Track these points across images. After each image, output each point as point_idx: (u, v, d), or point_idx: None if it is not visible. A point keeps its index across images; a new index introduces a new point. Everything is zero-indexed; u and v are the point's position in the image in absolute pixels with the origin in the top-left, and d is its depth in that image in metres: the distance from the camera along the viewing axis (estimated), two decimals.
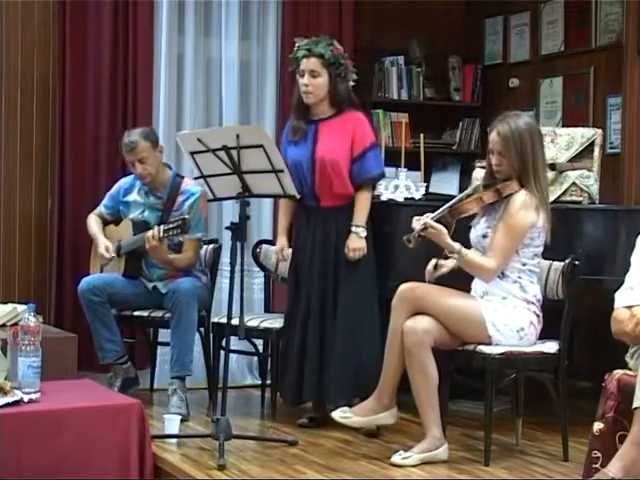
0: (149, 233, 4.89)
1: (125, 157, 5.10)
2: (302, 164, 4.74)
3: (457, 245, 4.16)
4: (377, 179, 4.81)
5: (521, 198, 4.14)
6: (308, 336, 4.73)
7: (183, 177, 5.21)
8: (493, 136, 4.22)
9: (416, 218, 4.17)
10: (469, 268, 4.20)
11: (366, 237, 4.68)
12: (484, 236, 4.24)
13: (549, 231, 4.22)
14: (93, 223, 5.27)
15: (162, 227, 4.85)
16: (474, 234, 4.29)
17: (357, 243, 4.67)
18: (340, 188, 4.70)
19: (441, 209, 4.20)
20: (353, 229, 4.68)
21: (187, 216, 4.85)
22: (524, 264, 4.21)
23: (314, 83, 4.69)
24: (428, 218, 4.14)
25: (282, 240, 4.94)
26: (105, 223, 5.29)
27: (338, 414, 4.32)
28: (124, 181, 5.32)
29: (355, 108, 4.80)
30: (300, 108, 4.79)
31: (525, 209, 4.13)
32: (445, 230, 4.14)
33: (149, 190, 5.18)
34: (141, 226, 5.10)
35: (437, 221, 4.15)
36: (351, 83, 4.81)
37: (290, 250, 4.93)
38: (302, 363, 4.73)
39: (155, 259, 5.05)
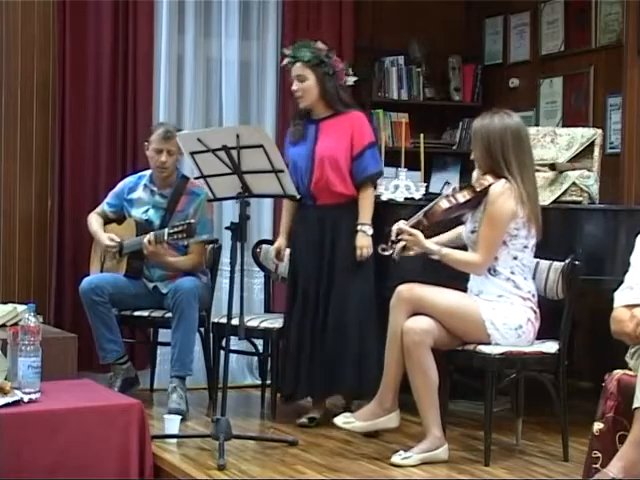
0: (145, 239, 4.90)
1: (154, 144, 5.10)
2: (301, 162, 4.77)
3: (436, 247, 4.19)
4: (376, 177, 4.83)
5: (499, 186, 4.15)
6: (305, 335, 4.74)
7: (189, 178, 5.21)
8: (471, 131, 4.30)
9: (394, 228, 4.20)
10: (456, 266, 4.21)
11: (372, 235, 4.69)
12: (472, 231, 4.25)
13: (538, 228, 4.21)
14: (93, 221, 5.27)
15: (167, 230, 4.86)
16: (464, 232, 4.31)
17: (364, 241, 4.69)
18: (339, 187, 4.72)
19: (417, 215, 4.22)
20: (359, 227, 4.70)
21: (192, 220, 4.85)
22: (515, 257, 4.20)
23: (302, 87, 4.76)
24: (402, 224, 4.16)
25: (281, 240, 4.96)
26: (107, 222, 5.29)
27: (340, 420, 4.32)
28: (128, 180, 5.33)
29: (351, 107, 4.81)
30: (299, 112, 4.85)
31: (503, 197, 4.12)
32: (421, 235, 4.16)
33: (154, 189, 5.19)
34: (144, 227, 5.10)
35: (414, 226, 4.17)
36: (350, 82, 4.84)
37: (288, 250, 4.94)
38: (300, 361, 4.75)
39: (157, 263, 5.05)
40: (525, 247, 4.23)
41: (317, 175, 4.73)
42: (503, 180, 4.16)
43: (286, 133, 5.03)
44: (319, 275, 4.75)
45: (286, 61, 4.83)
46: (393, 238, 4.18)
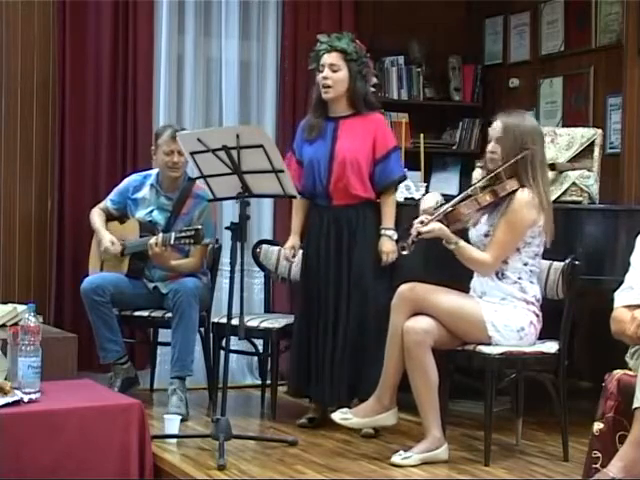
0: (152, 240, 4.90)
1: (164, 146, 5.07)
2: (319, 162, 4.71)
3: (455, 237, 4.16)
4: (400, 181, 4.81)
5: (524, 195, 4.14)
6: (327, 339, 4.69)
7: (195, 181, 5.18)
8: (496, 124, 4.23)
9: (414, 230, 4.16)
10: (466, 261, 4.20)
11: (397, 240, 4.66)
12: (486, 235, 4.24)
13: (551, 234, 4.22)
14: (96, 217, 5.25)
15: (174, 235, 4.85)
16: (474, 234, 4.29)
17: (390, 246, 4.65)
18: (359, 190, 4.67)
19: (436, 214, 4.18)
20: (383, 232, 4.66)
21: (200, 227, 4.83)
22: (525, 263, 4.21)
23: (334, 77, 4.66)
24: (421, 227, 4.13)
25: (294, 239, 4.86)
26: (109, 219, 5.28)
27: (338, 415, 4.31)
28: (133, 178, 5.32)
29: (375, 110, 4.76)
30: (318, 106, 4.76)
31: (528, 207, 4.13)
32: (440, 224, 4.13)
33: (160, 190, 5.19)
34: (148, 228, 5.10)
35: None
36: (371, 89, 4.79)
37: (300, 251, 4.89)
38: (332, 364, 4.69)
39: (158, 265, 5.05)
40: (536, 255, 4.23)
41: (337, 176, 4.67)
42: (527, 189, 4.15)
43: (298, 127, 4.92)
44: (336, 276, 4.69)
45: (322, 47, 4.71)
46: (415, 239, 4.14)
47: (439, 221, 4.15)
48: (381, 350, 4.35)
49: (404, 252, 4.15)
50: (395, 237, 4.64)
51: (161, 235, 4.92)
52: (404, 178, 4.85)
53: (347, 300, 4.68)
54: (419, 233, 4.12)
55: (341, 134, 4.70)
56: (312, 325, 4.74)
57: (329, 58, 4.68)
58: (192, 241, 4.80)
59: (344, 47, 4.67)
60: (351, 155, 4.65)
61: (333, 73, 4.66)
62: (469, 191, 4.23)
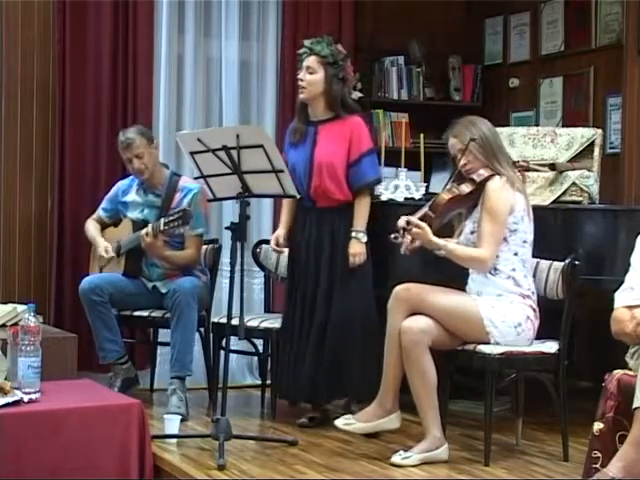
0: (143, 231, 4.92)
1: (122, 155, 5.13)
2: (300, 167, 4.76)
3: (442, 242, 4.19)
4: (373, 184, 4.82)
5: (496, 181, 4.20)
6: (302, 337, 4.74)
7: (180, 175, 5.23)
8: (452, 141, 4.29)
9: (402, 219, 4.20)
10: (462, 262, 4.21)
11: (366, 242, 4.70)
12: (472, 232, 4.26)
13: (532, 219, 4.23)
14: (91, 227, 5.29)
15: (163, 220, 4.86)
16: (463, 237, 4.30)
17: (358, 248, 4.68)
18: (337, 194, 4.72)
19: (422, 208, 4.22)
20: (353, 234, 4.69)
21: (187, 208, 4.86)
22: (515, 253, 4.21)
23: (308, 79, 4.73)
24: (411, 217, 4.16)
25: (280, 230, 4.92)
26: (104, 227, 5.30)
27: (341, 421, 4.32)
28: (121, 183, 5.35)
29: (353, 112, 4.80)
30: (301, 110, 4.85)
31: (501, 190, 4.18)
32: (428, 229, 4.16)
33: (147, 189, 5.19)
34: (141, 225, 5.10)
35: (421, 219, 4.17)
36: (356, 95, 4.83)
37: (286, 244, 4.91)
38: (297, 363, 4.73)
39: (153, 257, 5.06)
40: (525, 242, 4.24)
41: (316, 182, 4.72)
42: (497, 176, 4.21)
43: (287, 130, 5.00)
44: (318, 276, 4.73)
45: (302, 51, 4.81)
46: (403, 225, 4.16)
47: (424, 214, 4.17)
48: (364, 352, 4.42)
49: (397, 240, 4.17)
50: (364, 240, 4.68)
51: (151, 225, 4.93)
52: (378, 181, 4.85)
53: (327, 302, 4.70)
54: (408, 222, 4.14)
55: (320, 139, 4.76)
56: (294, 327, 4.78)
57: (307, 61, 4.77)
58: (181, 222, 4.81)
59: (319, 50, 4.75)
60: (327, 160, 4.70)
61: (308, 75, 4.74)
62: (448, 185, 4.27)
